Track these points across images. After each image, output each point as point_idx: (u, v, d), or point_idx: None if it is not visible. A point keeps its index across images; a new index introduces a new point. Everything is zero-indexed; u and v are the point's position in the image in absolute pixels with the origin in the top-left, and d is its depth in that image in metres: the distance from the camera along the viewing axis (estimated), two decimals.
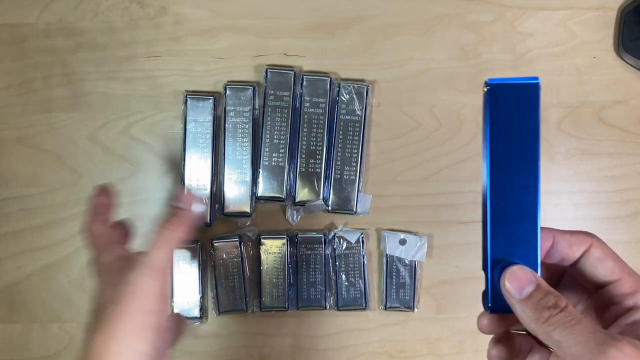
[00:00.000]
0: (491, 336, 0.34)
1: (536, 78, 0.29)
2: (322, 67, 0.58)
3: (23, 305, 0.58)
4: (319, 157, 0.56)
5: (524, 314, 0.28)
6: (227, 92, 0.56)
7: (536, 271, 0.30)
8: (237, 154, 0.56)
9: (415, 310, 0.57)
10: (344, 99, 0.56)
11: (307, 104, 0.56)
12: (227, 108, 0.56)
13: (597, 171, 0.58)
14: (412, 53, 0.58)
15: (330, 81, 0.56)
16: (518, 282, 0.29)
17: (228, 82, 0.57)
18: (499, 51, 0.58)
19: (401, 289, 0.57)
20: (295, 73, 0.56)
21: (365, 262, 0.57)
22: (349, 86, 0.56)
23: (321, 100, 0.56)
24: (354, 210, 0.56)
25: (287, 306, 0.57)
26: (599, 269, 0.31)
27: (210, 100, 0.56)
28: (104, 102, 0.58)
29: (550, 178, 0.58)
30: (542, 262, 0.30)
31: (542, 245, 0.30)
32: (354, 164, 0.56)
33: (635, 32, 0.57)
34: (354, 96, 0.56)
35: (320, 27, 0.58)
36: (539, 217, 0.29)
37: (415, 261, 0.57)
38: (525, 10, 0.58)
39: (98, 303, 0.37)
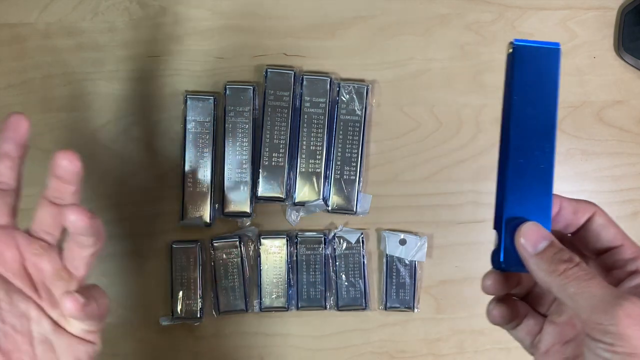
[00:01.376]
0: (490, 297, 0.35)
1: (557, 44, 0.30)
2: (322, 67, 0.58)
3: None
4: (319, 157, 0.56)
5: (539, 268, 0.29)
6: (227, 92, 0.56)
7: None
8: (237, 154, 0.56)
9: (415, 310, 0.57)
10: (344, 99, 0.56)
11: (307, 104, 0.56)
12: (227, 108, 0.56)
13: (597, 171, 0.58)
14: (412, 53, 0.58)
15: (330, 81, 0.56)
16: (533, 237, 0.30)
17: (228, 82, 0.57)
18: (499, 51, 0.58)
19: (401, 289, 0.57)
20: (295, 73, 0.56)
21: (365, 262, 0.57)
22: (349, 86, 0.56)
23: (321, 100, 0.56)
24: (354, 210, 0.56)
25: (287, 306, 0.57)
26: (603, 234, 0.32)
27: (210, 100, 0.56)
28: (104, 102, 0.58)
29: None
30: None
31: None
32: (354, 164, 0.56)
33: (636, 32, 0.57)
34: (354, 96, 0.56)
35: (320, 27, 0.58)
36: (552, 179, 0.30)
37: (415, 261, 0.57)
38: (525, 10, 0.58)
39: None
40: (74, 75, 0.58)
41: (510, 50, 0.30)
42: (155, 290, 0.57)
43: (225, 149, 0.56)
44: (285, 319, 0.58)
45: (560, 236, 0.34)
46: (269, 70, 0.56)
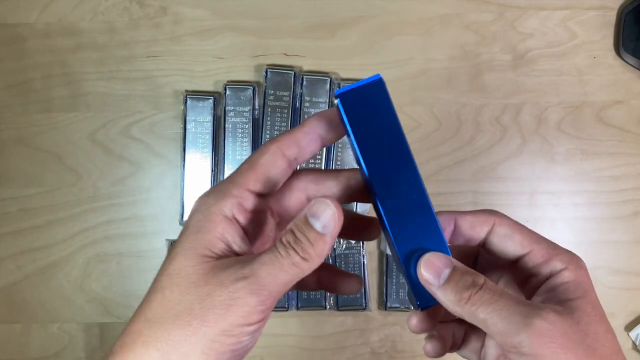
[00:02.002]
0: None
1: (378, 75, 0.28)
2: (322, 67, 0.58)
3: (23, 305, 0.58)
4: (319, 157, 0.56)
5: (447, 299, 0.28)
6: (227, 92, 0.56)
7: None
8: (237, 154, 0.56)
9: None
10: None
11: (307, 104, 0.56)
12: (227, 108, 0.56)
13: (597, 171, 0.58)
14: (412, 53, 0.58)
15: (330, 81, 0.56)
16: (433, 268, 0.28)
17: (228, 82, 0.57)
18: (499, 51, 0.58)
19: (401, 289, 0.57)
20: (295, 73, 0.56)
21: (365, 262, 0.57)
22: None
23: (321, 100, 0.56)
24: (354, 210, 0.56)
25: (286, 306, 0.57)
26: (508, 245, 0.30)
27: (210, 100, 0.56)
28: (104, 102, 0.58)
29: (550, 178, 0.58)
30: (451, 246, 0.30)
31: (444, 230, 0.30)
32: (354, 164, 0.56)
33: (636, 32, 0.57)
34: None
35: (320, 27, 0.58)
36: (430, 205, 0.29)
37: None
38: (525, 10, 0.58)
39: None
40: (73, 75, 0.58)
41: (336, 102, 0.28)
42: None
43: (225, 149, 0.56)
44: (285, 319, 0.58)
45: (473, 250, 0.33)
46: (269, 70, 0.56)
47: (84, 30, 0.57)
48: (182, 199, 0.56)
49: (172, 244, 0.28)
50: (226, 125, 0.56)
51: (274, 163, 0.28)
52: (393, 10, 0.58)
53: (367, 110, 0.28)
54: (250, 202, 0.28)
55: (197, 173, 0.56)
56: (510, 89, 0.58)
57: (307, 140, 0.29)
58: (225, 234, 0.27)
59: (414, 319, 0.32)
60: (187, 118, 0.56)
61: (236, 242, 0.27)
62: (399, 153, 0.28)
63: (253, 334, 0.26)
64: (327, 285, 0.34)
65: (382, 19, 0.58)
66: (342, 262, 0.57)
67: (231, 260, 0.26)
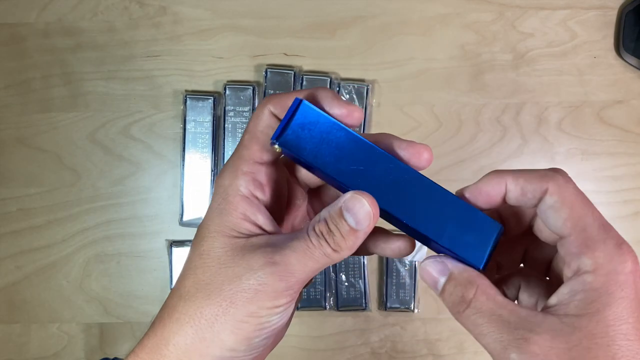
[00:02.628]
0: None
1: (297, 98, 0.27)
2: (322, 67, 0.58)
3: (22, 305, 0.58)
4: None
5: (446, 306, 0.27)
6: (227, 91, 0.56)
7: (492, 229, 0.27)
8: None
9: (415, 310, 0.57)
10: (344, 98, 0.56)
11: None
12: (226, 108, 0.56)
13: (598, 171, 0.58)
14: (412, 53, 0.58)
15: (330, 81, 0.56)
16: (429, 277, 0.27)
17: (228, 81, 0.57)
18: (499, 51, 0.58)
19: (401, 289, 0.57)
20: (295, 73, 0.56)
21: (365, 262, 0.57)
22: (349, 86, 0.56)
23: None
24: None
25: None
26: (550, 219, 0.26)
27: (210, 100, 0.56)
28: (104, 101, 0.57)
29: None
30: (503, 207, 0.28)
31: (493, 193, 0.27)
32: None
33: (636, 31, 0.57)
34: (354, 96, 0.56)
35: (320, 27, 0.58)
36: (428, 180, 0.28)
37: (415, 261, 0.57)
38: (525, 10, 0.58)
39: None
40: (73, 75, 0.58)
41: (279, 149, 0.26)
42: (155, 290, 0.57)
43: (225, 149, 0.56)
44: None
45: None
46: (269, 70, 0.56)
47: (84, 30, 0.57)
48: (182, 199, 0.56)
49: (199, 226, 0.28)
50: (226, 125, 0.56)
51: (273, 127, 0.27)
52: (393, 10, 0.58)
53: (310, 137, 0.26)
54: (263, 174, 0.28)
55: (197, 173, 0.56)
56: (510, 88, 0.58)
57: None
58: (247, 213, 0.27)
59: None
60: (187, 118, 0.56)
61: (259, 220, 0.27)
62: (366, 153, 0.27)
63: (281, 314, 0.26)
64: (373, 249, 0.32)
65: (382, 18, 0.58)
66: (342, 262, 0.56)
67: (261, 241, 0.26)
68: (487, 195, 0.28)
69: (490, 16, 0.58)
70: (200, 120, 0.56)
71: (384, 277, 0.57)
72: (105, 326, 0.57)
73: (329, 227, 0.26)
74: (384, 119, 0.57)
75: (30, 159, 0.58)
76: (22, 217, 0.58)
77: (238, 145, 0.28)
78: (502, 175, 0.27)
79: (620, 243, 0.25)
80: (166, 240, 0.57)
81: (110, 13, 0.57)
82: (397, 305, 0.57)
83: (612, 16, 0.58)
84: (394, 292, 0.57)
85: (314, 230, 0.26)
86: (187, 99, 0.56)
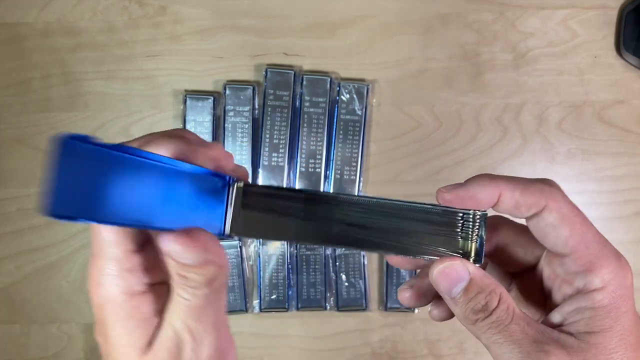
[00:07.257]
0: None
1: (65, 134, 0.19)
2: (322, 67, 0.57)
3: (22, 305, 0.58)
4: (319, 157, 0.56)
5: (453, 310, 0.26)
6: (227, 91, 0.56)
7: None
8: (237, 153, 0.56)
9: (416, 310, 0.57)
10: (344, 98, 0.56)
11: (307, 104, 0.56)
12: (226, 108, 0.56)
13: (598, 171, 0.58)
14: (412, 53, 0.58)
15: (330, 81, 0.56)
16: (446, 281, 0.25)
17: (227, 81, 0.57)
18: (500, 50, 0.58)
19: None
20: (295, 73, 0.56)
21: (366, 263, 0.57)
22: (349, 86, 0.56)
23: (321, 99, 0.56)
24: None
25: (287, 307, 0.56)
26: (549, 237, 0.25)
27: (210, 100, 0.56)
28: (103, 101, 0.57)
29: (551, 178, 0.57)
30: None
31: (485, 201, 0.26)
32: (354, 164, 0.56)
33: (637, 31, 0.56)
34: (354, 96, 0.56)
35: (320, 26, 0.58)
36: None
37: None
38: (526, 10, 0.58)
39: None
40: (73, 75, 0.57)
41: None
42: None
43: (225, 149, 0.56)
44: (285, 320, 0.58)
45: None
46: (269, 70, 0.56)
47: (83, 30, 0.57)
48: None
49: None
50: (226, 125, 0.56)
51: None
52: (393, 10, 0.58)
53: (81, 173, 0.19)
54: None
55: None
56: (510, 88, 0.58)
57: None
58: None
59: (406, 293, 0.30)
60: (187, 118, 0.56)
61: (136, 287, 0.25)
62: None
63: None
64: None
65: (382, 18, 0.58)
66: (342, 262, 0.56)
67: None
68: (476, 202, 0.26)
69: (490, 16, 0.58)
70: (200, 120, 0.56)
71: (384, 278, 0.57)
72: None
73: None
74: (384, 119, 0.57)
75: (30, 159, 0.58)
76: (22, 217, 0.57)
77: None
78: (497, 184, 0.26)
79: (619, 256, 0.25)
80: None
81: (109, 13, 0.57)
82: (398, 306, 0.57)
83: (613, 16, 0.58)
84: (394, 293, 0.57)
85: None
86: (187, 98, 0.56)
